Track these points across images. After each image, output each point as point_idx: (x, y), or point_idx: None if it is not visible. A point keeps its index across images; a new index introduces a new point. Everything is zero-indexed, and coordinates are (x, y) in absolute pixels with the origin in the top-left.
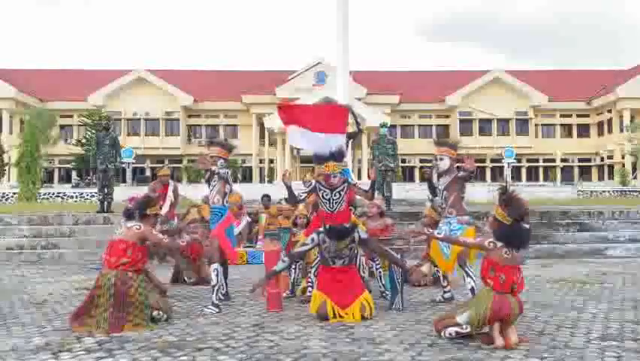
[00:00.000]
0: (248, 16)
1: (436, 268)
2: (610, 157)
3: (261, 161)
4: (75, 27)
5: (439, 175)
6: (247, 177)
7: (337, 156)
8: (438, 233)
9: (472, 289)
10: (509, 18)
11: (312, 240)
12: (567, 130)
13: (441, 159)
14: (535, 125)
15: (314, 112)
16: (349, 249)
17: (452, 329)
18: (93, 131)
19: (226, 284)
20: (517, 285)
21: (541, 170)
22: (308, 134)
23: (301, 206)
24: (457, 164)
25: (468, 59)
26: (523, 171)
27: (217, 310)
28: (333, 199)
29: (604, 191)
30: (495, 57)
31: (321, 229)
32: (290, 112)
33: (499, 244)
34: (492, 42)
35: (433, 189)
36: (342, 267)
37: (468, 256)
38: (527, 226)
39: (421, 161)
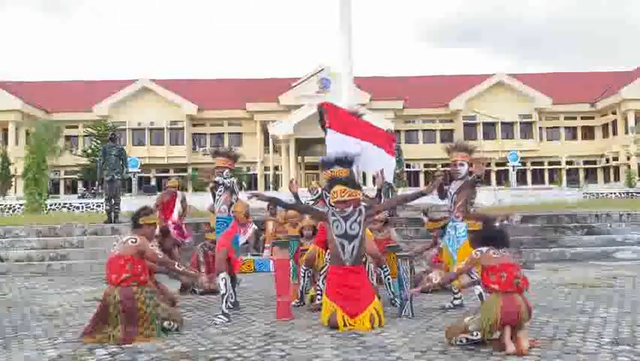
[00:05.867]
0: (250, 24)
1: None
2: (615, 159)
3: (265, 168)
4: (78, 38)
5: (453, 179)
6: (252, 184)
7: (343, 161)
8: (435, 281)
9: (481, 295)
10: (513, 22)
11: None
12: (572, 132)
13: (461, 165)
14: (540, 128)
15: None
16: (358, 223)
17: (463, 336)
18: (99, 141)
19: (235, 293)
20: (521, 280)
21: (546, 173)
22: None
23: (307, 216)
24: (469, 169)
25: (471, 63)
26: (529, 175)
27: (227, 319)
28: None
29: (610, 193)
30: (500, 61)
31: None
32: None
33: (484, 248)
34: (496, 46)
35: (441, 192)
36: (352, 266)
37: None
38: (498, 225)
39: (426, 166)
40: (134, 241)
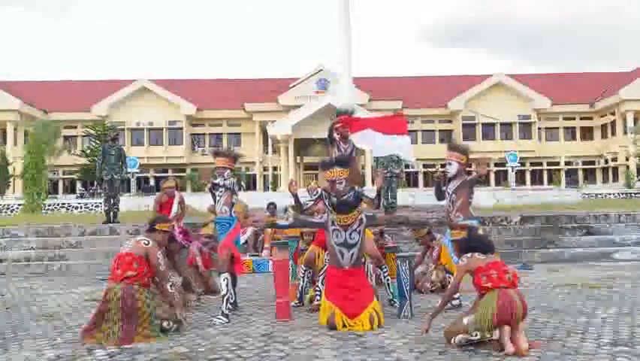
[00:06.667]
0: (249, 24)
1: (447, 275)
2: (614, 159)
3: (264, 169)
4: (77, 38)
5: (449, 179)
6: (251, 185)
7: (343, 162)
8: (437, 305)
9: None
10: (513, 22)
11: (323, 218)
12: (571, 133)
13: (449, 164)
14: (539, 128)
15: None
16: (358, 233)
17: (462, 337)
18: (97, 141)
19: (235, 293)
20: (512, 275)
21: (545, 173)
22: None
23: None
24: (468, 169)
25: (470, 63)
26: (528, 175)
27: (226, 320)
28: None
29: (609, 194)
30: (499, 61)
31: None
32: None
33: (469, 254)
34: (496, 46)
35: (439, 192)
36: (352, 268)
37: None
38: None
39: (425, 166)
40: (146, 243)
